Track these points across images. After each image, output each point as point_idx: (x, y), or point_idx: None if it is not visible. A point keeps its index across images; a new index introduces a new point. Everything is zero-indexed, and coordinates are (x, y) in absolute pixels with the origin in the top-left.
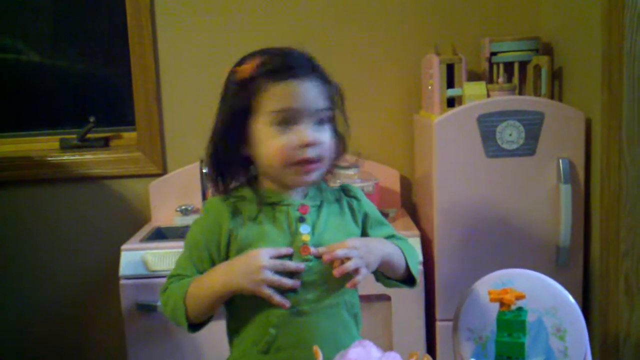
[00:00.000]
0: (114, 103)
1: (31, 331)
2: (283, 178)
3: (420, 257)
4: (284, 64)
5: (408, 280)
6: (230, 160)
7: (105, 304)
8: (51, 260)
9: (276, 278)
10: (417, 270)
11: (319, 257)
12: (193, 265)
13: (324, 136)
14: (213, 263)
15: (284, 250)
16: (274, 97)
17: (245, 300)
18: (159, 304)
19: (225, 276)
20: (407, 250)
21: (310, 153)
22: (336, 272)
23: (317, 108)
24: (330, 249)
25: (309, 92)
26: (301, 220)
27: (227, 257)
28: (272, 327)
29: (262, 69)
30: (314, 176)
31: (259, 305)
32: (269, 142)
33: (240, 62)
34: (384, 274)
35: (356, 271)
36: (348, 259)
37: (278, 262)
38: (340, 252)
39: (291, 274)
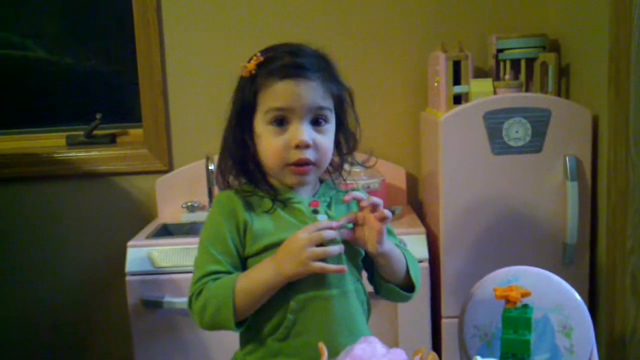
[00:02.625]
0: (120, 100)
1: (37, 327)
2: (281, 177)
3: (426, 255)
4: (286, 62)
5: (408, 288)
6: (238, 155)
7: (111, 301)
8: (57, 256)
9: (320, 250)
10: (418, 278)
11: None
12: (224, 260)
13: (321, 137)
14: (238, 254)
15: (314, 226)
16: (271, 95)
17: None
18: (165, 299)
19: (275, 268)
20: (410, 257)
21: (305, 154)
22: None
23: (315, 107)
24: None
25: (307, 92)
26: (315, 212)
27: (243, 249)
28: (291, 313)
29: (264, 66)
30: (310, 177)
31: (277, 294)
32: (266, 141)
33: (250, 59)
34: (383, 277)
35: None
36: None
37: (316, 234)
38: (375, 199)
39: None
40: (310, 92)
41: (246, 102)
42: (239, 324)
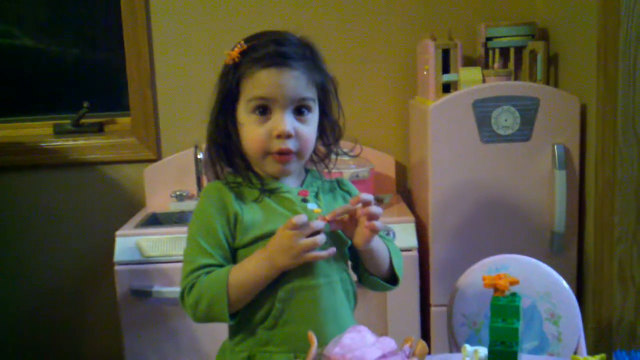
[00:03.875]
0: (108, 88)
1: (25, 317)
2: (262, 167)
3: (415, 243)
4: (269, 51)
5: (391, 280)
6: (223, 144)
7: (100, 290)
8: (45, 246)
9: (309, 241)
10: (402, 271)
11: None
12: (215, 253)
13: (303, 127)
14: (228, 247)
15: (300, 218)
16: (254, 84)
17: None
18: (154, 289)
19: (268, 260)
20: (393, 249)
21: (286, 144)
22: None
23: (298, 97)
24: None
25: (290, 81)
26: (304, 201)
27: (234, 240)
28: (279, 302)
29: (248, 54)
30: (292, 166)
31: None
32: (248, 130)
33: (234, 46)
34: (367, 269)
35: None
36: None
37: (306, 227)
38: (365, 197)
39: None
40: (293, 81)
41: (229, 90)
42: (232, 316)
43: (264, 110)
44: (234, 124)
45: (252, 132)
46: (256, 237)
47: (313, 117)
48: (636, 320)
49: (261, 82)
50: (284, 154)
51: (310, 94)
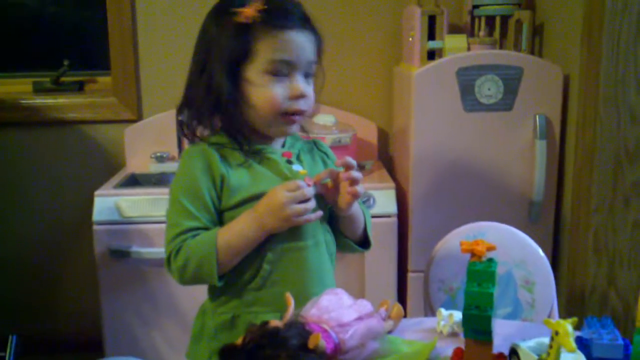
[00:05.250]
0: (89, 46)
1: (2, 276)
2: (267, 127)
3: (395, 210)
4: (285, 13)
5: (363, 244)
6: (215, 102)
7: (78, 250)
8: (23, 204)
9: (301, 207)
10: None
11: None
12: (201, 216)
13: (310, 89)
14: (214, 209)
15: (294, 184)
16: (274, 45)
17: None
18: (133, 249)
19: (256, 221)
20: (368, 215)
21: (300, 105)
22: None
23: (309, 61)
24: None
25: (305, 44)
26: (289, 162)
27: (220, 202)
28: (267, 263)
29: (264, 14)
30: (296, 127)
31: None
32: (261, 90)
33: (238, 4)
34: (343, 232)
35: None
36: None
37: (299, 192)
38: (350, 160)
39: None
40: (309, 45)
41: (241, 50)
42: (220, 278)
43: (279, 72)
44: (236, 83)
45: (267, 93)
46: (243, 199)
47: (313, 80)
48: (608, 289)
49: (284, 45)
50: (296, 114)
51: (316, 58)
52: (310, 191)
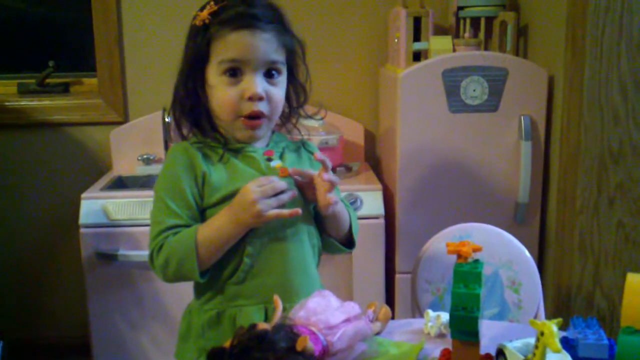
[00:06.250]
0: (74, 48)
1: None
2: (233, 131)
3: (382, 211)
4: (240, 13)
5: (347, 244)
6: (190, 106)
7: (65, 253)
8: (9, 207)
9: (272, 201)
10: (357, 235)
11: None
12: (183, 214)
13: (274, 89)
14: (197, 207)
15: (266, 179)
16: (225, 46)
17: None
18: (120, 252)
19: (232, 217)
20: (353, 215)
21: (257, 106)
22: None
23: (268, 60)
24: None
25: (261, 44)
26: (269, 160)
27: (202, 200)
28: (248, 256)
29: (218, 16)
30: (262, 130)
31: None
32: (219, 92)
33: (203, 7)
34: (327, 231)
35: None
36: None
37: (267, 186)
38: (325, 159)
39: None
40: (264, 44)
41: (199, 52)
42: (202, 274)
43: (234, 72)
44: (202, 86)
45: (222, 94)
46: (223, 196)
47: (282, 80)
48: (594, 289)
49: (232, 44)
50: (254, 117)
51: (280, 56)
52: (281, 184)
